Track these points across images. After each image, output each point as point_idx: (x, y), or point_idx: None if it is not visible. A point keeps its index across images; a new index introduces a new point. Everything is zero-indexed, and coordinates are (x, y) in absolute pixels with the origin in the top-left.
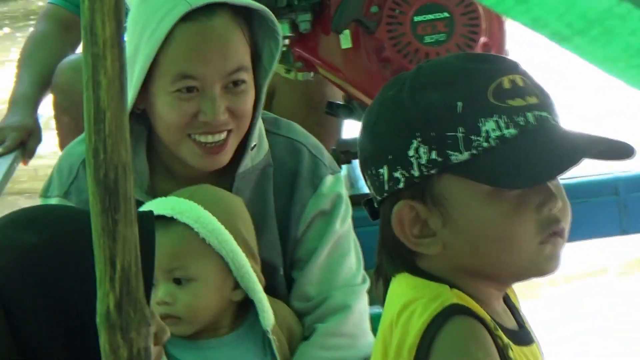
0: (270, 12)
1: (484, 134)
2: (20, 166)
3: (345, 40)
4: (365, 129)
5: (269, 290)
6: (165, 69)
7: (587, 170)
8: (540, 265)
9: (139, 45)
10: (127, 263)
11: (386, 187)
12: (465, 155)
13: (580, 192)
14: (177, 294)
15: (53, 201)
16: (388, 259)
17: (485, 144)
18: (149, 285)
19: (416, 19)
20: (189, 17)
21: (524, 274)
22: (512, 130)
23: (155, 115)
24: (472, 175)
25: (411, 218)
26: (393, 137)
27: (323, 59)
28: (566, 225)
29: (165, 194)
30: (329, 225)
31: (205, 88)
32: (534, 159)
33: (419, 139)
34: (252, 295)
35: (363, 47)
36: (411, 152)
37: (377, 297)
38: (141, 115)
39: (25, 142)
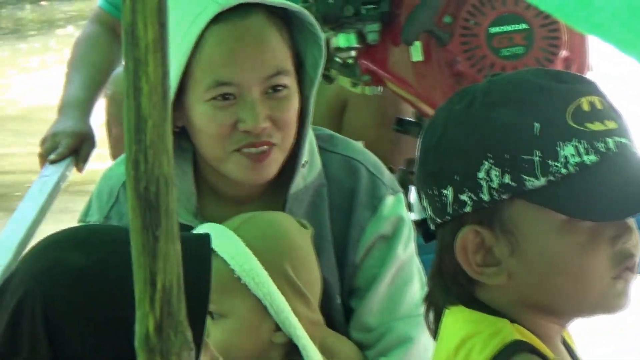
0: (309, 15)
1: (562, 159)
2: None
3: (416, 52)
4: (427, 145)
5: (326, 320)
6: (198, 76)
7: None
8: (611, 301)
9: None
10: (168, 282)
11: (449, 210)
12: (542, 182)
13: None
14: (209, 328)
15: None
16: (443, 287)
17: (563, 170)
18: (203, 313)
19: (492, 30)
20: (220, 18)
21: (592, 310)
22: (593, 157)
23: (194, 129)
24: (547, 203)
25: (476, 244)
26: (461, 156)
27: (392, 72)
28: (637, 259)
29: (214, 217)
30: (391, 250)
31: (243, 94)
32: (616, 189)
33: (491, 161)
34: (295, 340)
35: (435, 60)
36: (481, 174)
37: (427, 327)
38: (184, 134)
39: (78, 149)
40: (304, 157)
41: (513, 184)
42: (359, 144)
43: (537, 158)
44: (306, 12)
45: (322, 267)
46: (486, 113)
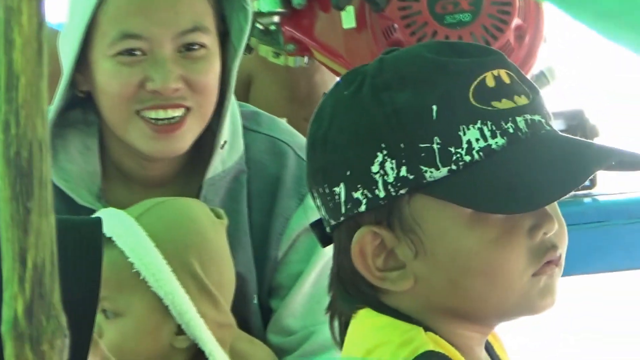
0: None
1: (465, 145)
2: None
3: (348, 18)
4: (314, 137)
5: (240, 322)
6: (104, 28)
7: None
8: (534, 301)
9: (75, 5)
10: (40, 260)
11: (343, 210)
12: (443, 172)
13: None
14: (102, 327)
15: None
16: (344, 294)
17: (467, 158)
18: (91, 310)
19: None
20: None
21: (513, 313)
22: (500, 140)
23: (97, 91)
24: (451, 196)
25: (375, 247)
26: (351, 148)
27: (320, 41)
28: (563, 251)
29: (119, 201)
30: (317, 245)
31: (153, 50)
32: (528, 175)
33: (385, 152)
34: (201, 345)
35: (369, 27)
36: (375, 168)
37: (333, 339)
38: (90, 104)
39: None
40: (224, 136)
41: (411, 176)
42: (286, 123)
43: (437, 145)
44: None
45: (238, 263)
46: (377, 97)
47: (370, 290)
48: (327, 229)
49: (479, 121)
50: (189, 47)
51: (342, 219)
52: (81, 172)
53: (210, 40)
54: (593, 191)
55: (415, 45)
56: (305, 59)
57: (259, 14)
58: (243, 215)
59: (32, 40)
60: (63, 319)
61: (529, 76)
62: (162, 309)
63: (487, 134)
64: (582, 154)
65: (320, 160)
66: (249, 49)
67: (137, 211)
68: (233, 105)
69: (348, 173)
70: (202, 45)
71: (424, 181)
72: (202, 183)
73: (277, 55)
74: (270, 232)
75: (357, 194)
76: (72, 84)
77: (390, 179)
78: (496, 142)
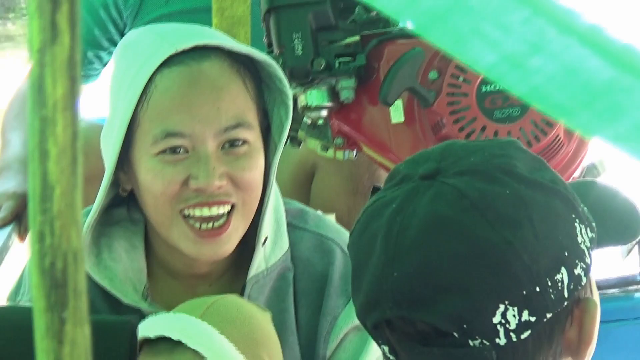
0: (277, 67)
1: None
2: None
3: (396, 113)
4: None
5: None
6: (146, 127)
7: None
8: None
9: (116, 103)
10: None
11: (558, 301)
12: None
13: None
14: None
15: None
16: None
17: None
18: None
19: (484, 89)
20: (173, 61)
21: None
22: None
23: (141, 190)
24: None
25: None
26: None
27: (368, 135)
28: None
29: (164, 299)
30: (366, 344)
31: (196, 146)
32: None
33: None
34: None
35: (418, 122)
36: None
37: None
38: (134, 202)
39: (21, 213)
40: (265, 232)
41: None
42: (333, 220)
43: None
44: (273, 64)
45: None
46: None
47: None
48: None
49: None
50: (232, 143)
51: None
52: (126, 271)
53: (253, 136)
54: None
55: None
56: (354, 152)
57: (307, 108)
58: (290, 313)
59: (67, 151)
60: None
61: (579, 169)
62: None
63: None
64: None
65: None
66: (297, 142)
67: (198, 310)
68: (277, 202)
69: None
70: (245, 141)
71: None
72: (245, 282)
73: (325, 148)
74: (318, 330)
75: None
76: (115, 182)
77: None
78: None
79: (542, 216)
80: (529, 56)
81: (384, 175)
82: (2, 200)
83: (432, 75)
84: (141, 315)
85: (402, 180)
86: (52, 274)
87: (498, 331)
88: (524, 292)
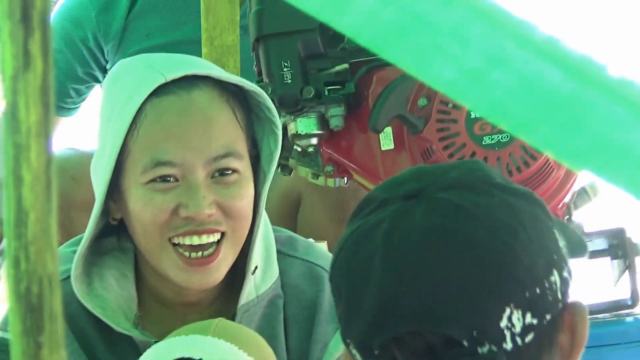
0: (266, 97)
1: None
2: None
3: (386, 140)
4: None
5: None
6: (136, 156)
7: None
8: None
9: (106, 132)
10: None
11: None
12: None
13: None
14: None
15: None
16: None
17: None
18: None
19: (474, 115)
20: (163, 91)
21: None
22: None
23: (129, 217)
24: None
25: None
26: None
27: (359, 163)
28: None
29: (155, 326)
30: None
31: (186, 176)
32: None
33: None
34: None
35: (408, 148)
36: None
37: None
38: (125, 231)
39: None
40: (255, 261)
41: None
42: (323, 247)
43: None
44: (263, 93)
45: None
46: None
47: None
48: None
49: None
50: (222, 172)
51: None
52: (117, 299)
53: (243, 165)
54: (634, 310)
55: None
56: (345, 180)
57: (297, 136)
58: (280, 340)
59: (41, 177)
60: None
61: (570, 194)
62: None
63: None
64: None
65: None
66: (288, 169)
67: (207, 331)
68: (267, 230)
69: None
70: (234, 171)
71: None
72: (235, 311)
73: (316, 176)
74: (309, 357)
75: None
76: (105, 211)
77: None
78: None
79: (531, 222)
80: (489, 71)
81: None
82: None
83: (422, 102)
84: (133, 344)
85: (381, 204)
86: (28, 298)
87: (505, 335)
88: (527, 295)
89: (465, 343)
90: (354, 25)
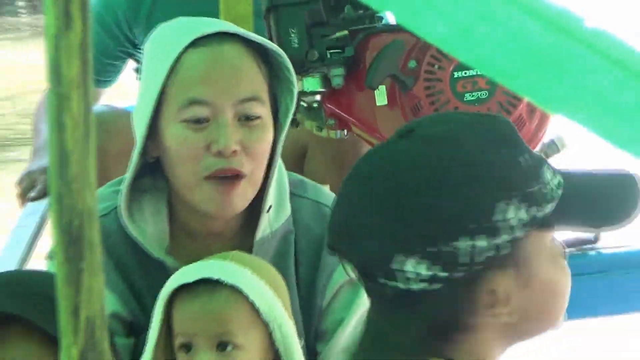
0: (286, 58)
1: (549, 183)
2: None
3: (381, 97)
4: (414, 197)
5: None
6: (173, 97)
7: None
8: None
9: (148, 82)
10: (91, 314)
11: (465, 262)
12: (549, 208)
13: None
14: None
15: None
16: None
17: (556, 192)
18: None
19: (456, 75)
20: (197, 43)
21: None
22: (560, 179)
23: (167, 155)
24: (563, 222)
25: (512, 287)
26: (468, 203)
27: (357, 117)
28: None
29: (184, 254)
30: (356, 295)
31: (217, 116)
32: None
33: (510, 198)
34: None
35: (399, 104)
36: (501, 217)
37: None
38: (159, 172)
39: None
40: (269, 201)
41: (527, 217)
42: (328, 190)
43: (537, 188)
44: (283, 54)
45: None
46: (483, 154)
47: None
48: (422, 285)
49: (547, 167)
50: (247, 116)
51: (462, 272)
52: (153, 231)
53: (265, 112)
54: (596, 245)
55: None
56: (345, 132)
57: (303, 93)
58: (291, 271)
59: (81, 123)
60: None
61: (539, 145)
62: (268, 337)
63: (552, 174)
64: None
65: (419, 222)
66: (295, 123)
67: (225, 258)
68: (281, 174)
69: (472, 225)
70: (258, 117)
71: (538, 218)
72: (252, 244)
73: (320, 129)
74: (316, 285)
75: (481, 242)
76: (144, 151)
77: (515, 222)
78: (559, 180)
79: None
80: (476, 25)
81: (364, 150)
82: (37, 175)
83: (411, 64)
84: (164, 270)
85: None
86: (69, 230)
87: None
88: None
89: (364, 271)
90: None
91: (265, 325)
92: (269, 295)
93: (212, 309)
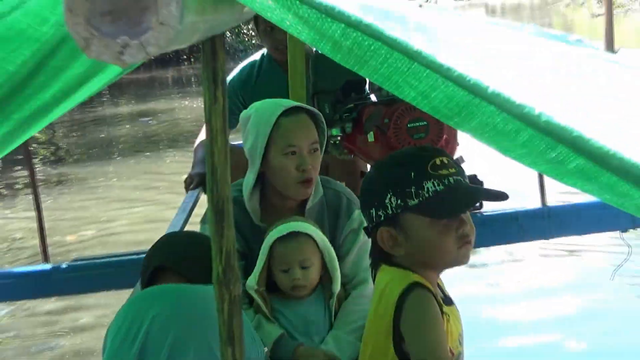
0: (323, 119)
1: (426, 190)
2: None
3: (370, 137)
4: (363, 189)
5: None
6: (277, 142)
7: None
8: (459, 260)
9: (257, 134)
10: (228, 248)
11: (374, 221)
12: (416, 202)
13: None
14: (304, 274)
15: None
16: (376, 259)
17: (427, 195)
18: None
19: (409, 125)
20: (285, 113)
21: (450, 265)
22: (441, 187)
23: (273, 172)
24: (421, 212)
25: (388, 237)
26: (378, 193)
27: (358, 148)
28: (472, 237)
29: (270, 220)
30: (357, 236)
31: (301, 151)
32: (452, 203)
33: (391, 193)
34: (333, 273)
35: (380, 141)
36: (387, 201)
37: (372, 279)
38: (258, 178)
39: (203, 182)
40: (313, 190)
41: (402, 204)
42: (342, 184)
43: (413, 190)
44: (322, 118)
45: None
46: (389, 170)
47: (387, 256)
48: (369, 230)
49: (432, 179)
50: (314, 150)
51: (374, 224)
52: (251, 208)
53: (318, 147)
54: (482, 210)
55: (405, 148)
56: (352, 156)
57: (331, 136)
58: (325, 224)
59: (223, 151)
60: (239, 275)
61: (455, 155)
62: (323, 261)
63: (436, 184)
64: (474, 192)
65: (365, 200)
66: (326, 152)
67: (299, 220)
68: (319, 177)
69: (376, 203)
70: (316, 149)
71: (409, 206)
72: (304, 212)
73: (339, 154)
74: (337, 232)
75: (380, 212)
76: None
77: (394, 205)
78: (439, 188)
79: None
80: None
81: (363, 165)
82: (194, 176)
83: (386, 120)
84: (259, 229)
85: None
86: (217, 206)
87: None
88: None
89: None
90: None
91: (321, 252)
92: (321, 236)
93: (297, 247)
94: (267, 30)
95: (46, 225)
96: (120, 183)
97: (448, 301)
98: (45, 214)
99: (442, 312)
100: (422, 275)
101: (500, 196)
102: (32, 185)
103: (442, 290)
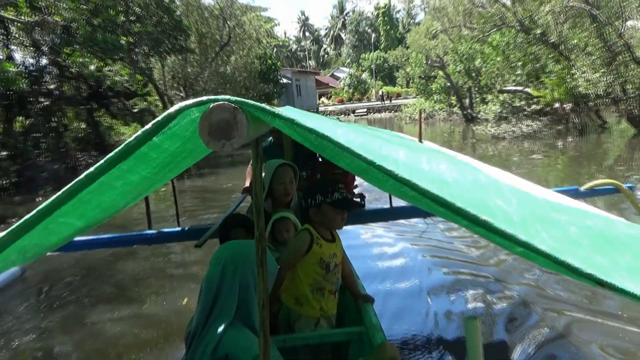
0: (297, 169)
1: (334, 196)
2: None
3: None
4: (307, 192)
5: None
6: (276, 178)
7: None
8: (339, 227)
9: (268, 173)
10: (260, 225)
11: (310, 205)
12: (329, 200)
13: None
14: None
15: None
16: (305, 221)
17: (334, 198)
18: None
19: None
20: (280, 166)
21: (333, 228)
22: (339, 196)
23: (275, 189)
24: (330, 205)
25: (314, 212)
26: (313, 193)
27: (312, 181)
28: (345, 219)
29: (275, 211)
30: None
31: (285, 182)
32: (342, 203)
33: (319, 194)
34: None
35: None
36: (317, 197)
37: None
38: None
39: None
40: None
41: (323, 199)
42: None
43: (320, 197)
44: (296, 168)
45: None
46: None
47: (309, 220)
48: (307, 208)
49: (336, 192)
50: (290, 182)
51: (309, 206)
52: (266, 205)
53: (294, 179)
54: (365, 207)
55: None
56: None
57: (301, 176)
58: (298, 211)
59: (258, 177)
60: (265, 236)
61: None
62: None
63: (337, 195)
64: (351, 201)
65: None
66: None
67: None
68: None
69: (312, 198)
70: (292, 181)
71: (326, 201)
72: (289, 206)
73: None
74: None
75: (313, 202)
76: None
77: (319, 201)
78: (339, 196)
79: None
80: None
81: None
82: (244, 191)
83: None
84: (269, 215)
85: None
86: (257, 207)
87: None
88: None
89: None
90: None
91: (294, 223)
92: (295, 219)
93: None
94: (272, 128)
95: None
96: None
97: (330, 240)
98: None
99: (317, 244)
100: (316, 229)
101: (360, 204)
102: None
103: (333, 235)
